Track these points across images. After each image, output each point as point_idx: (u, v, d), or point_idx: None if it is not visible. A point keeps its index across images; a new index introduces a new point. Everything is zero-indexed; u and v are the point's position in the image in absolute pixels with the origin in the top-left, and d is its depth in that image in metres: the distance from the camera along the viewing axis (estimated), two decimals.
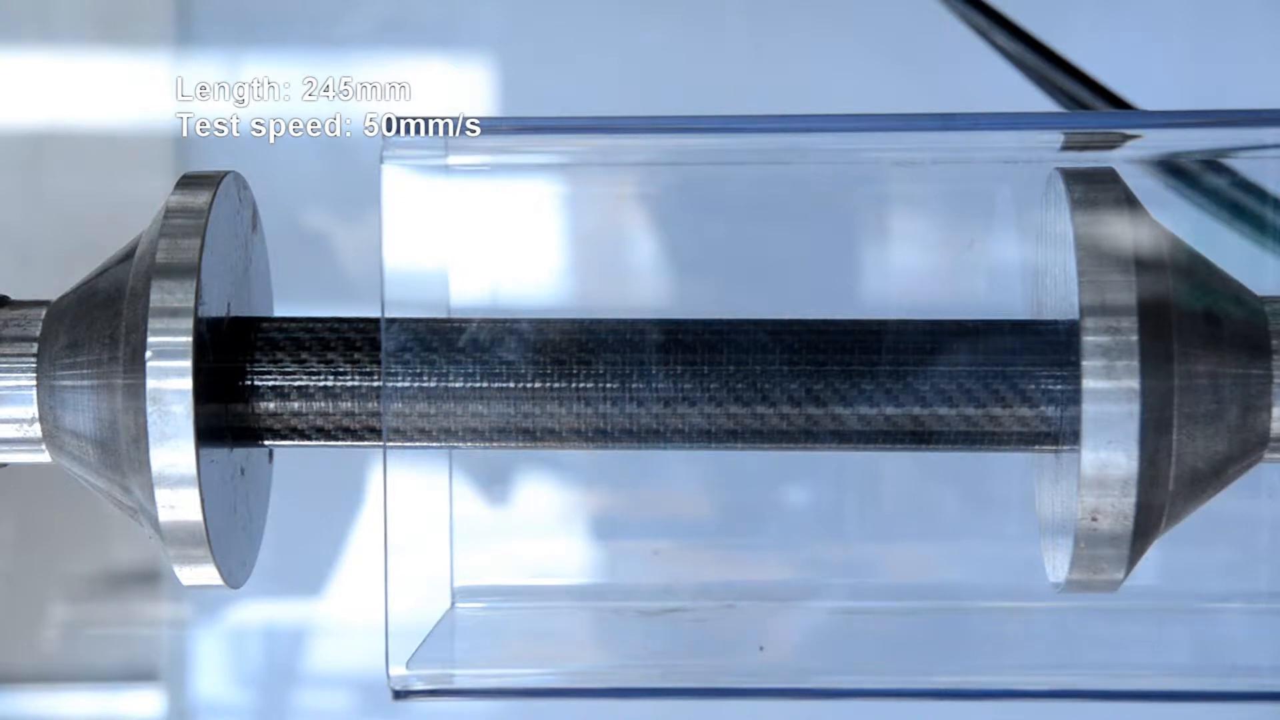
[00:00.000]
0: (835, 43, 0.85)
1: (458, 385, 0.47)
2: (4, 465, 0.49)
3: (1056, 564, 0.48)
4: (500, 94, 0.86)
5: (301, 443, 0.48)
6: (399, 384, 0.47)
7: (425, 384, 0.47)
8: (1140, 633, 0.53)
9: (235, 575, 0.49)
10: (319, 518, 0.53)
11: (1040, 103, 0.65)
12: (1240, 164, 0.56)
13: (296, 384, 0.47)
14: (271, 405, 0.47)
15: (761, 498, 0.58)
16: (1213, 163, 0.56)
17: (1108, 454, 0.44)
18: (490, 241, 0.56)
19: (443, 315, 0.51)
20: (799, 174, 0.54)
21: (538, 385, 0.47)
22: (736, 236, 0.56)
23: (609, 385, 0.47)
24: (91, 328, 0.47)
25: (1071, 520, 0.45)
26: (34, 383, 0.47)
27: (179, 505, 0.45)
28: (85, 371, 0.46)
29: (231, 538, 0.48)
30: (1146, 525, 0.45)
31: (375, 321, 0.47)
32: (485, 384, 0.47)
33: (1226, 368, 0.45)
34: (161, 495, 0.45)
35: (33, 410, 0.47)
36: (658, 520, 0.58)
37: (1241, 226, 0.58)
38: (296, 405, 0.47)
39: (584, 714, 0.59)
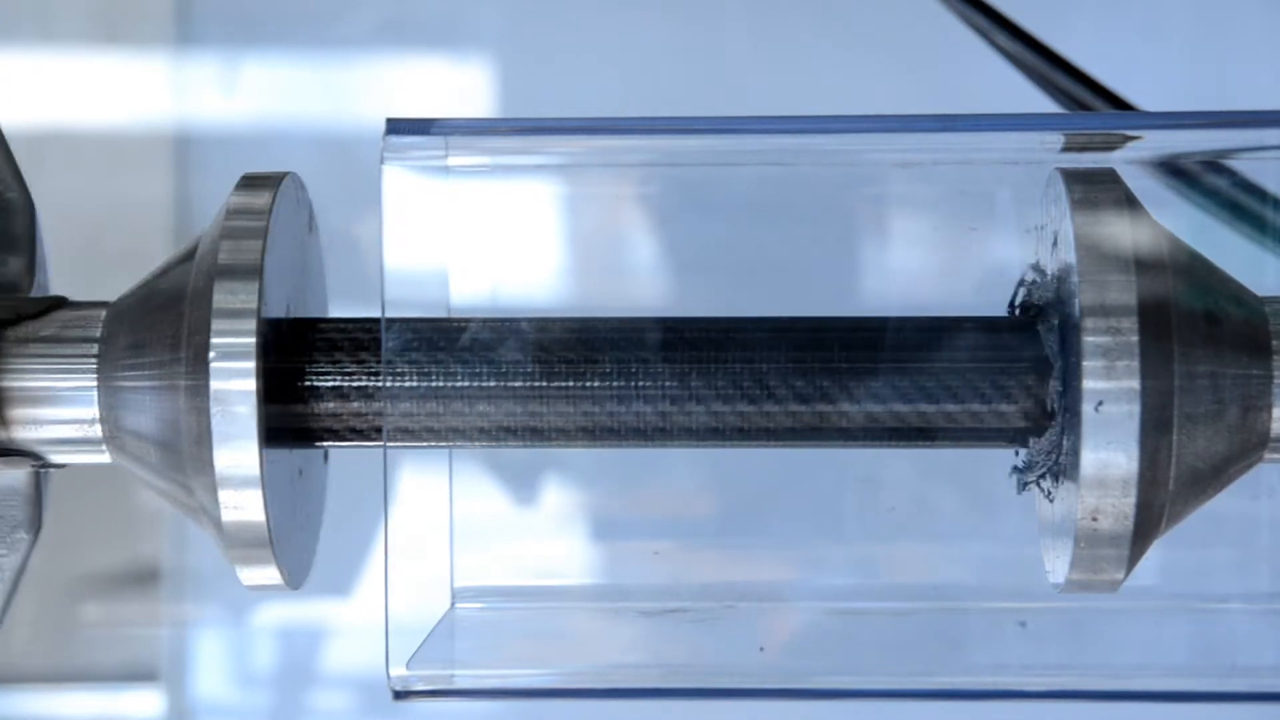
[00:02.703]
0: (835, 43, 0.85)
1: (463, 385, 0.47)
2: (63, 466, 0.49)
3: (1056, 564, 0.48)
4: (500, 94, 0.86)
5: (361, 443, 0.48)
6: (407, 384, 0.47)
7: (432, 383, 0.47)
8: (1140, 633, 0.53)
9: (295, 576, 0.49)
10: (342, 518, 0.53)
11: (1040, 103, 0.65)
12: (1240, 165, 0.56)
13: (356, 385, 0.47)
14: (331, 406, 0.47)
15: (762, 498, 0.58)
16: (1213, 163, 0.56)
17: (1108, 454, 0.44)
18: (490, 241, 0.56)
19: (443, 315, 0.51)
20: (799, 174, 0.54)
21: (544, 384, 0.47)
22: (736, 237, 0.56)
23: (616, 383, 0.47)
24: (154, 329, 0.47)
25: (1071, 520, 0.45)
26: (95, 384, 0.47)
27: (242, 506, 0.45)
28: (148, 373, 0.46)
29: (291, 539, 0.48)
30: (1146, 525, 0.45)
31: (435, 321, 0.47)
32: (491, 383, 0.47)
33: (1226, 368, 0.45)
34: (225, 496, 0.45)
35: (94, 411, 0.47)
36: (658, 520, 0.58)
37: (1241, 226, 0.58)
38: (356, 406, 0.47)
39: (584, 714, 0.59)
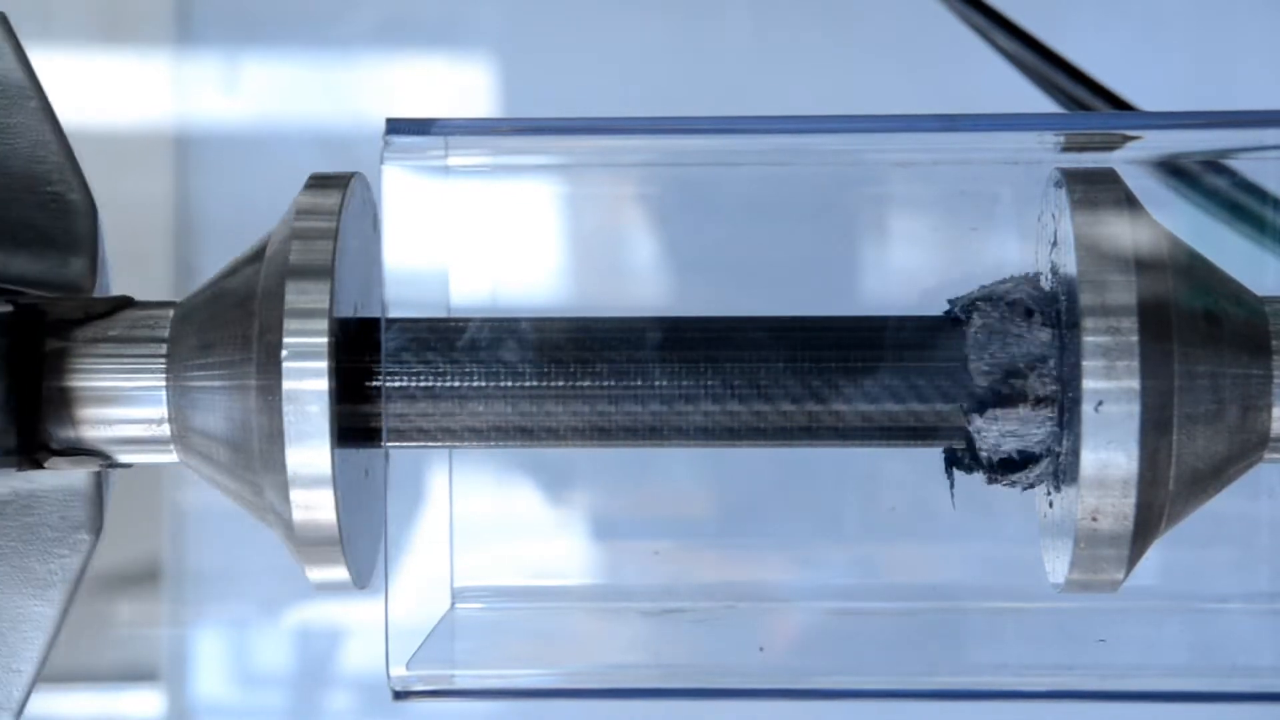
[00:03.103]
0: (835, 43, 0.85)
1: (457, 384, 0.47)
2: (129, 466, 0.49)
3: (1056, 564, 0.48)
4: (500, 94, 0.86)
5: (428, 444, 0.48)
6: (417, 383, 0.47)
7: (426, 383, 0.47)
8: (1140, 633, 0.53)
9: (362, 576, 0.49)
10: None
11: (1040, 103, 0.65)
12: (1240, 165, 0.56)
13: (423, 385, 0.47)
14: (398, 406, 0.47)
15: (762, 497, 0.58)
16: (1213, 163, 0.56)
17: (1108, 454, 0.44)
18: (490, 241, 0.56)
19: (442, 315, 0.51)
20: (799, 174, 0.54)
21: (538, 384, 0.47)
22: (736, 237, 0.56)
23: (608, 384, 0.47)
24: (224, 328, 0.47)
25: (1071, 520, 0.45)
26: (164, 383, 0.47)
27: (313, 505, 0.45)
28: (218, 372, 0.46)
29: (359, 539, 0.48)
30: (1146, 525, 0.45)
31: (504, 321, 0.47)
32: (487, 383, 0.47)
33: (1226, 368, 0.45)
34: (296, 495, 0.45)
35: (162, 411, 0.47)
36: (658, 520, 0.58)
37: (1241, 226, 0.58)
38: (424, 406, 0.47)
39: (584, 714, 0.59)
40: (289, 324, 0.45)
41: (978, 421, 0.46)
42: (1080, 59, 0.65)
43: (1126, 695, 0.49)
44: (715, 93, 0.82)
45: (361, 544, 0.48)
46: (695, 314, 0.49)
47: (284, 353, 0.45)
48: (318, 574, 0.47)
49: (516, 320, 0.48)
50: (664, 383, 0.47)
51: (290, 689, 0.89)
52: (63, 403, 0.47)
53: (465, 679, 0.51)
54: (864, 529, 0.56)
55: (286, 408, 0.45)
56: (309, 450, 0.45)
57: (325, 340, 0.45)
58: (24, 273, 0.49)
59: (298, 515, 0.45)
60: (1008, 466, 0.47)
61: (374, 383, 0.47)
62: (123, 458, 0.49)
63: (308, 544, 0.46)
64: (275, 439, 0.45)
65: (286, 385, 0.45)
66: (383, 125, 0.47)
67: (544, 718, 0.78)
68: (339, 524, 0.46)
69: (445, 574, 0.54)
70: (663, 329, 0.47)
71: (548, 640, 0.55)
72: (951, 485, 0.48)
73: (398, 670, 0.48)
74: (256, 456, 0.46)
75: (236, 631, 0.88)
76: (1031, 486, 0.47)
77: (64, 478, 0.49)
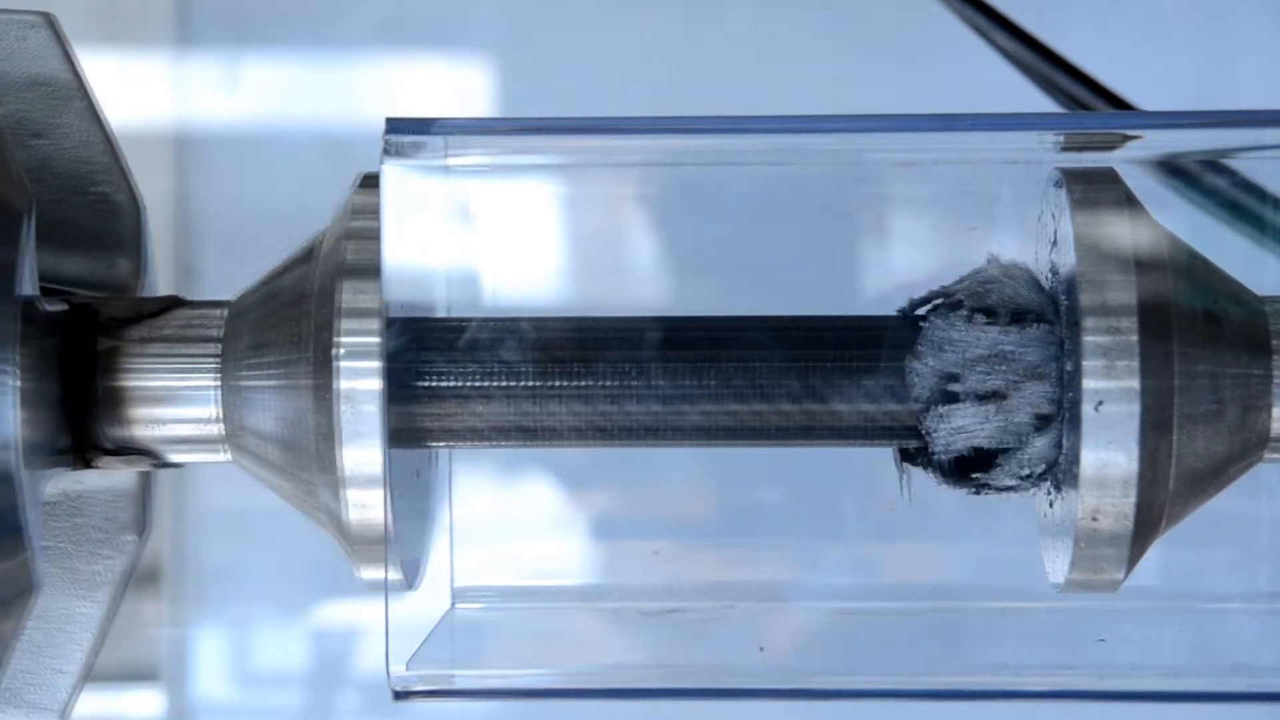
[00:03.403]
0: (835, 43, 0.85)
1: (455, 384, 0.47)
2: (180, 465, 0.49)
3: (1056, 564, 0.48)
4: (500, 94, 0.86)
5: (479, 444, 0.48)
6: (469, 383, 0.47)
7: (478, 383, 0.47)
8: (1140, 633, 0.53)
9: (412, 576, 0.49)
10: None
11: (1040, 103, 0.65)
12: (1240, 164, 0.56)
13: (475, 385, 0.47)
14: (450, 406, 0.47)
15: (762, 497, 0.58)
16: (1213, 163, 0.56)
17: (1108, 454, 0.44)
18: (490, 241, 0.56)
19: (442, 315, 0.51)
20: (799, 174, 0.54)
21: (536, 384, 0.47)
22: (736, 237, 0.56)
23: (606, 383, 0.47)
24: (277, 328, 0.47)
25: (1071, 520, 0.45)
26: (216, 383, 0.47)
27: (367, 505, 0.45)
28: (271, 371, 0.46)
29: (411, 538, 0.48)
30: (1146, 525, 0.45)
31: (552, 320, 0.47)
32: (487, 383, 0.47)
33: (1226, 368, 0.45)
34: (352, 495, 0.45)
35: (214, 410, 0.47)
36: (658, 520, 0.58)
37: (1241, 226, 0.58)
38: (476, 407, 0.47)
39: (584, 714, 0.59)
40: (345, 323, 0.45)
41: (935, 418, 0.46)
42: (1080, 59, 0.65)
43: (1126, 695, 0.49)
44: (715, 93, 0.82)
45: (411, 544, 0.48)
46: (695, 314, 0.49)
47: (340, 351, 0.45)
48: (370, 573, 0.47)
49: (546, 319, 0.48)
50: (663, 382, 0.47)
51: (291, 689, 0.89)
52: (114, 402, 0.47)
53: (465, 679, 0.51)
54: (864, 529, 0.56)
55: (341, 407, 0.45)
56: (363, 450, 0.45)
57: (379, 340, 0.45)
58: (72, 273, 0.49)
59: (352, 514, 0.45)
60: (965, 465, 0.47)
61: (426, 382, 0.47)
62: (173, 457, 0.49)
63: (361, 543, 0.46)
64: (330, 438, 0.45)
65: (342, 384, 0.45)
66: (383, 125, 0.47)
67: (544, 718, 0.78)
68: (393, 523, 0.46)
69: (445, 574, 0.54)
70: (662, 329, 0.47)
71: (548, 640, 0.55)
72: (902, 479, 0.48)
73: (398, 670, 0.48)
74: (310, 456, 0.46)
75: (237, 631, 0.88)
76: (1012, 489, 0.47)
77: (110, 479, 0.49)
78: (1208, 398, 0.45)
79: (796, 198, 0.55)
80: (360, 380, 0.45)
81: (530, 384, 0.47)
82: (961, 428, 0.46)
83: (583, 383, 0.47)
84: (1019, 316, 0.46)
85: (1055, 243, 0.47)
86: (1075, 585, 0.47)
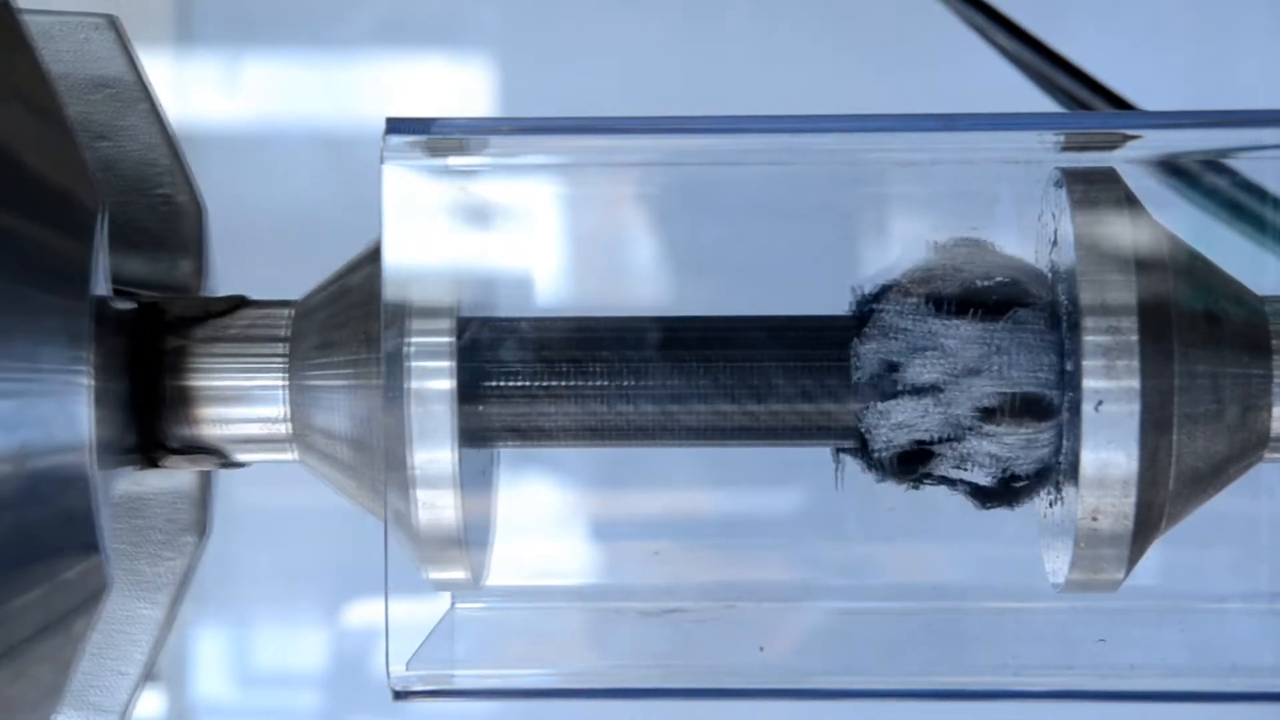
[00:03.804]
0: (835, 43, 0.85)
1: (523, 384, 0.47)
2: (245, 465, 0.49)
3: (1056, 564, 0.48)
4: (500, 94, 0.86)
5: (545, 444, 0.48)
6: (538, 384, 0.47)
7: (546, 383, 0.47)
8: (1140, 633, 0.53)
9: (478, 575, 0.49)
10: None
11: (1040, 103, 0.65)
12: (1240, 164, 0.56)
13: (543, 385, 0.47)
14: (519, 406, 0.47)
15: (762, 497, 0.58)
16: (1213, 163, 0.56)
17: (1108, 454, 0.44)
18: (490, 241, 0.56)
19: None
20: (799, 174, 0.54)
21: (604, 384, 0.47)
22: (736, 236, 0.56)
23: (599, 384, 0.47)
24: (346, 327, 0.47)
25: (1071, 520, 0.45)
26: (284, 383, 0.47)
27: (437, 505, 0.45)
28: (340, 371, 0.46)
29: (478, 538, 0.48)
30: (1146, 525, 0.45)
31: (614, 320, 0.48)
32: (556, 383, 0.47)
33: (1226, 367, 0.45)
34: (422, 495, 0.45)
35: (281, 410, 0.47)
36: (658, 520, 0.58)
37: (1241, 226, 0.58)
38: (544, 407, 0.47)
39: (584, 714, 0.59)
40: (415, 323, 0.45)
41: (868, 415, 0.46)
42: (1080, 59, 0.65)
43: (1126, 695, 0.49)
44: (715, 93, 0.82)
45: (480, 544, 0.48)
46: (694, 314, 0.49)
47: (411, 349, 0.45)
48: (438, 574, 0.47)
49: (517, 320, 0.48)
50: (662, 382, 0.47)
51: (291, 689, 0.89)
52: (182, 401, 0.47)
53: (465, 679, 0.51)
54: (863, 529, 0.56)
55: (413, 407, 0.45)
56: (434, 450, 0.45)
57: (451, 339, 0.45)
58: (133, 274, 0.49)
59: (422, 514, 0.45)
60: (907, 459, 0.47)
61: (494, 381, 0.47)
62: (240, 457, 0.49)
63: (430, 543, 0.46)
64: (400, 438, 0.45)
65: (413, 384, 0.45)
66: (383, 125, 0.47)
67: (544, 718, 0.78)
68: (463, 524, 0.46)
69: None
70: (662, 329, 0.47)
71: (548, 640, 0.55)
72: (838, 470, 0.48)
73: (397, 670, 0.48)
74: (380, 455, 0.46)
75: (236, 631, 0.88)
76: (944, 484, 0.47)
77: (171, 480, 0.49)
78: (1208, 398, 0.45)
79: (796, 198, 0.55)
80: (431, 380, 0.45)
81: (599, 384, 0.47)
82: (902, 422, 0.46)
83: (571, 382, 0.47)
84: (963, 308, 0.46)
85: (1055, 243, 0.47)
86: (1075, 585, 0.47)
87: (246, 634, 0.88)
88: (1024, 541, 0.50)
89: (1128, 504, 0.44)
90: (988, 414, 0.45)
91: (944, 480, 0.47)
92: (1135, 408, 0.44)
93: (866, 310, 0.46)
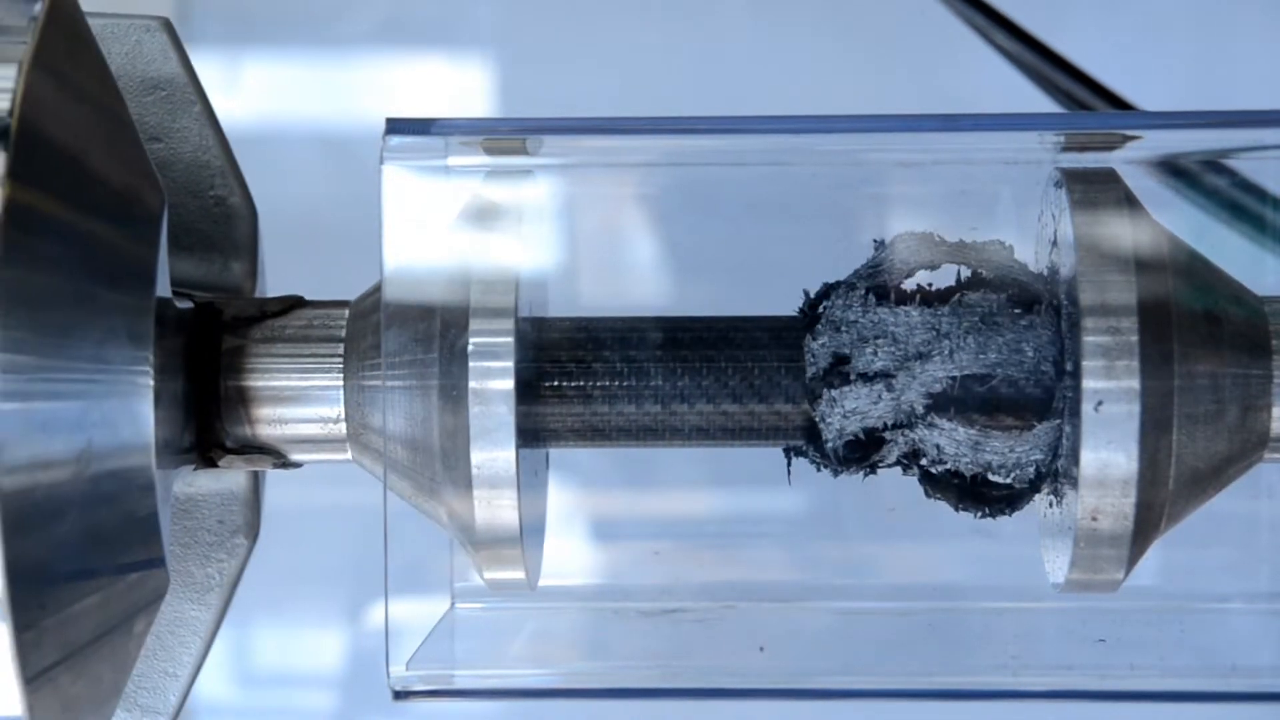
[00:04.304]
0: (835, 43, 0.85)
1: (580, 384, 0.47)
2: (300, 465, 0.49)
3: (1056, 564, 0.48)
4: (500, 94, 0.86)
5: (602, 443, 0.48)
6: (593, 384, 0.47)
7: (603, 384, 0.47)
8: (1140, 633, 0.53)
9: (533, 575, 0.49)
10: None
11: (1040, 103, 0.65)
12: (1240, 165, 0.56)
13: (600, 385, 0.47)
14: (576, 407, 0.47)
15: (762, 497, 0.58)
16: (1213, 163, 0.56)
17: (1108, 454, 0.44)
18: (490, 241, 0.56)
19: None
20: (799, 174, 0.54)
21: (660, 384, 0.47)
22: (736, 236, 0.56)
23: (603, 384, 0.47)
24: (403, 327, 0.47)
25: (1071, 520, 0.45)
26: (340, 382, 0.47)
27: (497, 504, 0.45)
28: (398, 371, 0.46)
29: (533, 538, 0.48)
30: (1146, 525, 0.45)
31: (669, 320, 0.48)
32: (612, 383, 0.47)
33: (1226, 368, 0.45)
34: (480, 494, 0.45)
35: (338, 410, 0.47)
36: (658, 520, 0.58)
37: (1241, 226, 0.58)
38: (600, 408, 0.47)
39: (584, 714, 0.59)
40: (475, 323, 0.45)
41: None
42: (1080, 59, 0.65)
43: (1126, 695, 0.49)
44: (715, 93, 0.82)
45: (534, 544, 0.48)
46: (694, 314, 0.49)
47: (470, 348, 0.45)
48: (494, 574, 0.47)
49: (672, 319, 0.48)
50: (657, 382, 0.47)
51: (291, 689, 0.89)
52: (239, 401, 0.47)
53: (465, 679, 0.51)
54: (863, 528, 0.56)
55: (473, 407, 0.45)
56: (493, 449, 0.45)
57: (511, 340, 0.45)
58: (186, 275, 0.49)
59: (480, 514, 0.45)
60: (855, 448, 0.47)
61: (552, 381, 0.47)
62: (296, 456, 0.49)
63: (488, 544, 0.46)
64: (460, 437, 0.45)
65: (473, 384, 0.45)
66: (383, 125, 0.47)
67: (544, 718, 0.78)
68: (521, 524, 0.46)
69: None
70: (662, 329, 0.47)
71: (548, 640, 0.55)
72: (788, 465, 0.48)
73: (397, 670, 0.48)
74: (438, 455, 0.46)
75: (236, 631, 0.88)
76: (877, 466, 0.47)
77: (222, 481, 0.49)
78: (1208, 398, 0.45)
79: (797, 198, 0.55)
80: (491, 380, 0.45)
81: (655, 384, 0.47)
82: (854, 409, 0.46)
83: (575, 383, 0.47)
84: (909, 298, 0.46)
85: (1055, 243, 0.47)
86: (1075, 585, 0.46)
87: (248, 634, 0.88)
88: (1024, 541, 0.50)
89: (1128, 504, 0.44)
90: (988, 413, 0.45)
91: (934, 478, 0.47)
92: (1135, 408, 0.44)
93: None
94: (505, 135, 0.51)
